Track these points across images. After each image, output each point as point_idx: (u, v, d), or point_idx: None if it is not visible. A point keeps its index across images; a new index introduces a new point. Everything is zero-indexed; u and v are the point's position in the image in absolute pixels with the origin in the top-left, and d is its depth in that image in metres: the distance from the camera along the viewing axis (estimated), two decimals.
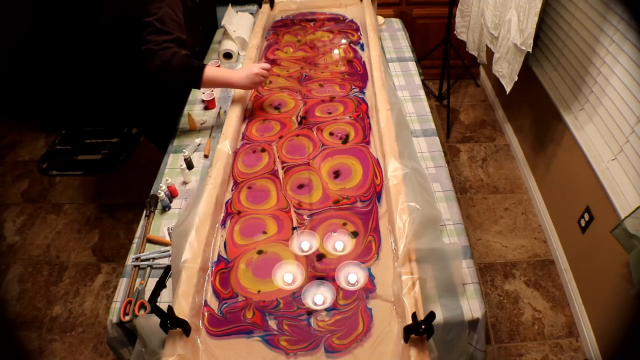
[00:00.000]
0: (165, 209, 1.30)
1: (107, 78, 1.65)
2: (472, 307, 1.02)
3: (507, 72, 2.02)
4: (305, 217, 1.19)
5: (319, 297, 1.01)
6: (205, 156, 1.46)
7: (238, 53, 1.93)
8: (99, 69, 1.60)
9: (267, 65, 1.46)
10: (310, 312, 0.99)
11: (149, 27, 1.30)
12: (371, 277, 1.04)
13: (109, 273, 2.09)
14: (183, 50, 1.34)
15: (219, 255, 1.11)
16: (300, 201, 1.23)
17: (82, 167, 2.69)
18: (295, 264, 1.08)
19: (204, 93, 1.67)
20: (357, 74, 1.71)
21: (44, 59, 2.68)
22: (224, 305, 1.01)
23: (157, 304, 1.06)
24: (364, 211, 1.19)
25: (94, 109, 1.77)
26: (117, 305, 1.07)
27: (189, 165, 1.41)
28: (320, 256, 1.09)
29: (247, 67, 1.44)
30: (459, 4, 2.45)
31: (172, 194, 1.33)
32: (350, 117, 1.50)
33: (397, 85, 1.72)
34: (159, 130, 1.73)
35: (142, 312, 1.05)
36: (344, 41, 1.91)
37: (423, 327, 0.83)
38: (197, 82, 1.38)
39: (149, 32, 1.30)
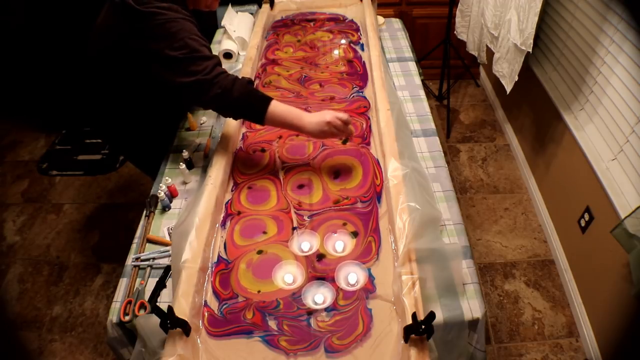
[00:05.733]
0: (165, 209, 1.30)
1: (100, 102, 1.44)
2: (472, 307, 1.02)
3: (507, 72, 2.02)
4: (305, 217, 1.19)
5: (319, 297, 1.01)
6: (205, 156, 1.46)
7: (238, 53, 1.93)
8: (94, 90, 1.45)
9: (345, 116, 1.21)
10: (310, 313, 0.99)
11: (183, 62, 1.14)
12: (371, 278, 1.04)
13: (109, 273, 2.09)
14: (246, 77, 1.20)
15: (219, 256, 1.11)
16: (301, 201, 1.23)
17: (82, 167, 2.69)
18: (295, 264, 1.08)
19: None
20: (357, 74, 1.71)
21: (44, 61, 2.68)
22: (224, 306, 1.01)
23: (157, 304, 1.06)
24: (364, 212, 1.19)
25: (89, 122, 1.63)
26: (117, 305, 1.07)
27: (189, 165, 1.41)
28: (320, 256, 1.10)
29: (322, 112, 1.22)
30: (459, 4, 2.45)
31: (172, 194, 1.33)
32: (349, 117, 1.50)
33: (397, 85, 1.72)
34: (147, 159, 1.61)
35: (142, 312, 1.05)
36: (343, 41, 1.91)
37: (423, 327, 0.83)
38: (260, 116, 1.18)
39: (186, 65, 1.13)
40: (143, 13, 1.14)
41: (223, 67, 1.20)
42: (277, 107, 1.19)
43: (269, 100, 1.18)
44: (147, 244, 1.21)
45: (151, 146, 1.55)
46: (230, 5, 2.17)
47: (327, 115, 1.20)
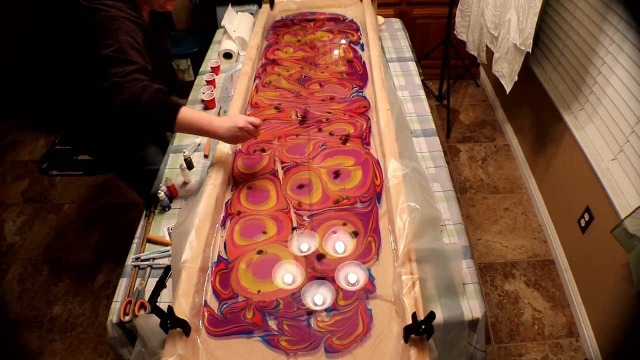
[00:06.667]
0: (165, 209, 1.30)
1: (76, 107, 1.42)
2: (472, 307, 1.02)
3: (507, 72, 2.02)
4: (305, 217, 1.19)
5: (319, 297, 1.01)
6: (205, 156, 1.46)
7: (238, 53, 1.93)
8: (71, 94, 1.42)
9: (257, 121, 1.22)
10: (310, 313, 0.99)
11: (108, 61, 1.11)
12: (371, 278, 1.04)
13: (109, 273, 2.09)
14: (155, 85, 1.14)
15: (219, 256, 1.11)
16: (300, 201, 1.23)
17: (82, 167, 2.69)
18: (295, 264, 1.08)
19: (204, 93, 1.67)
20: (357, 74, 1.71)
21: (42, 62, 2.68)
22: (224, 306, 1.01)
23: (157, 304, 1.06)
24: (364, 212, 1.19)
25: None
26: (117, 305, 1.07)
27: (189, 165, 1.41)
28: (320, 256, 1.10)
29: (233, 117, 1.22)
30: (459, 4, 2.45)
31: (172, 194, 1.33)
32: (350, 117, 1.50)
33: (397, 85, 1.72)
34: (134, 175, 1.59)
35: (142, 312, 1.05)
36: (343, 41, 1.91)
37: (423, 327, 0.83)
38: (170, 124, 1.16)
39: (110, 65, 1.11)
40: (87, 8, 1.14)
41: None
42: (186, 114, 1.16)
43: (178, 107, 1.16)
44: (147, 244, 1.21)
45: (132, 161, 1.53)
46: (230, 5, 2.17)
47: (240, 120, 1.19)
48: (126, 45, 1.13)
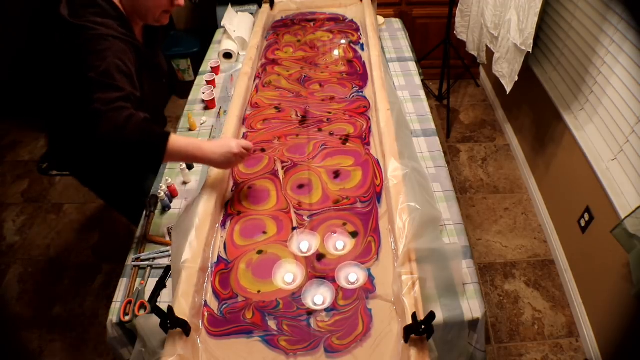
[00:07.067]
0: (165, 209, 1.30)
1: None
2: (472, 307, 1.02)
3: (507, 72, 2.02)
4: (305, 217, 1.19)
5: (319, 297, 1.01)
6: None
7: (238, 53, 1.93)
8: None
9: (249, 145, 1.20)
10: (310, 313, 0.99)
11: (93, 85, 1.03)
12: (371, 278, 1.04)
13: (109, 273, 2.09)
14: (141, 113, 1.06)
15: (219, 256, 1.11)
16: (300, 201, 1.23)
17: None
18: (295, 264, 1.08)
19: (204, 93, 1.67)
20: (357, 74, 1.71)
21: (38, 71, 2.68)
22: (224, 306, 1.01)
23: (157, 304, 1.06)
24: (364, 212, 1.19)
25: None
26: (117, 305, 1.08)
27: (189, 165, 1.41)
28: (320, 256, 1.10)
29: (226, 142, 1.17)
30: (459, 4, 2.45)
31: (172, 194, 1.33)
32: (350, 117, 1.50)
33: (397, 85, 1.72)
34: (132, 205, 1.50)
35: (142, 312, 1.05)
36: (343, 41, 1.91)
37: (423, 327, 0.83)
38: (159, 155, 1.07)
39: (94, 89, 1.03)
40: (75, 26, 1.07)
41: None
42: (176, 142, 1.09)
43: (167, 135, 1.08)
44: (147, 244, 1.21)
45: (134, 192, 1.48)
46: (230, 5, 2.17)
47: (234, 147, 1.15)
48: (113, 69, 1.05)
